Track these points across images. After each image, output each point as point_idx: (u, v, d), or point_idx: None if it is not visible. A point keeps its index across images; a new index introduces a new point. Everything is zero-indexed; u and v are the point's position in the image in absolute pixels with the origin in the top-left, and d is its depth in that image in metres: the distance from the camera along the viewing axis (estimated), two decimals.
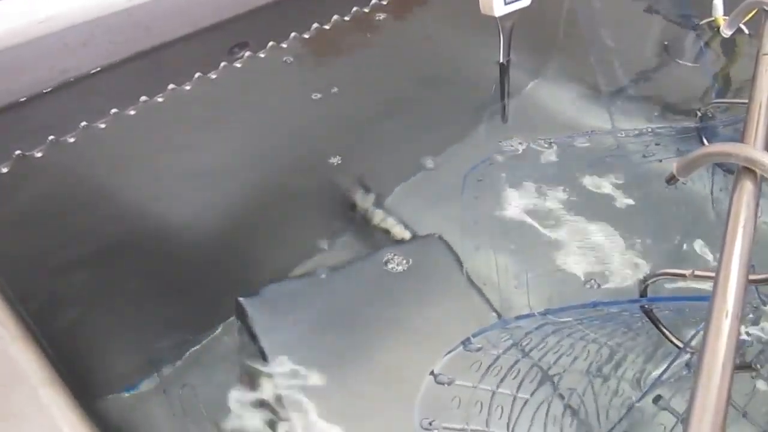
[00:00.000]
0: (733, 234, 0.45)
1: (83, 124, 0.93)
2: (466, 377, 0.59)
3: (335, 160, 0.89)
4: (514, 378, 0.61)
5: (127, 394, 0.66)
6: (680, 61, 1.04)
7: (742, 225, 0.46)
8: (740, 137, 0.56)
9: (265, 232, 0.82)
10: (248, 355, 0.68)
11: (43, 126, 0.92)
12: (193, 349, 0.70)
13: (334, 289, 0.72)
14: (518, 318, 0.62)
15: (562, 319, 0.62)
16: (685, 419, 0.34)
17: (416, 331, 0.67)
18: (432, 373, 0.59)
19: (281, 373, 0.65)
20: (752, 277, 0.49)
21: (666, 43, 1.10)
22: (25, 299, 0.69)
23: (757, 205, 0.47)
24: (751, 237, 0.45)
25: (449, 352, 0.60)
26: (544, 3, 1.06)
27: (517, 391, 0.60)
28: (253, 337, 0.68)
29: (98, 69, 0.99)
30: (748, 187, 0.48)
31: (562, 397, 0.62)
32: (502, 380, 0.60)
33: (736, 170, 0.50)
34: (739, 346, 0.61)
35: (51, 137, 0.91)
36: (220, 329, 0.71)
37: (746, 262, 0.43)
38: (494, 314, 0.69)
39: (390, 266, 0.74)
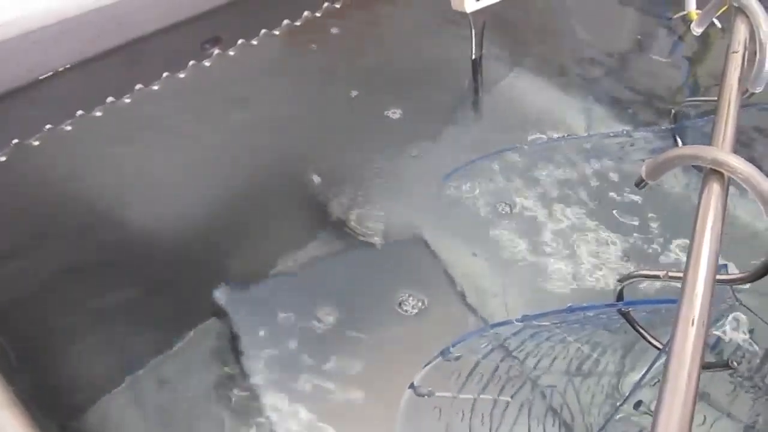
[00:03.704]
0: (701, 236, 0.45)
1: (48, 126, 0.92)
2: (447, 387, 0.59)
3: (309, 161, 0.89)
4: (495, 383, 0.61)
5: (103, 397, 0.65)
6: (654, 56, 1.05)
7: (710, 227, 0.46)
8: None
9: (241, 232, 0.81)
10: (225, 353, 0.68)
11: (6, 128, 0.92)
12: (169, 349, 0.69)
13: (310, 288, 0.72)
14: (496, 325, 0.63)
15: (540, 323, 0.62)
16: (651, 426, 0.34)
17: (395, 335, 0.67)
18: (412, 385, 0.59)
19: (257, 370, 0.65)
20: (721, 277, 0.50)
21: (639, 37, 1.11)
22: None
23: (724, 206, 0.48)
24: (719, 239, 0.45)
25: (428, 364, 0.60)
26: None
27: (498, 395, 0.60)
28: (231, 333, 0.68)
29: (67, 66, 0.99)
30: (715, 188, 0.48)
31: (544, 397, 0.62)
32: (483, 386, 0.60)
33: (704, 171, 0.50)
34: (717, 345, 0.61)
35: (15, 140, 0.90)
36: (197, 330, 0.71)
37: (714, 264, 0.43)
38: (475, 319, 0.70)
39: (366, 268, 0.74)
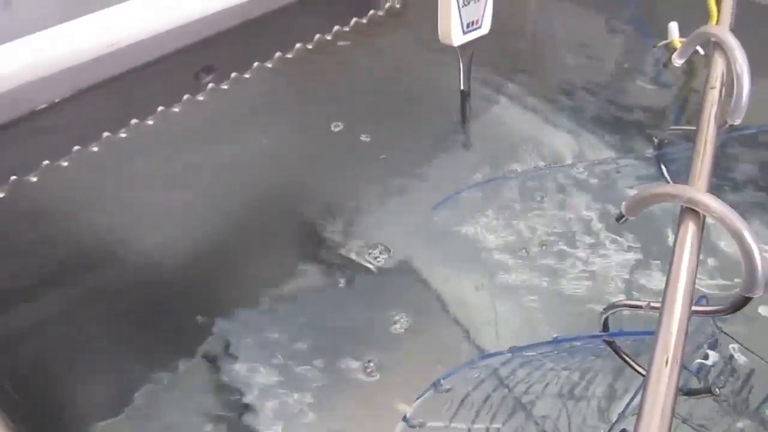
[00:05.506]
0: (677, 274, 0.47)
1: (45, 162, 0.94)
2: (439, 417, 0.61)
3: (302, 189, 0.91)
4: (487, 412, 0.63)
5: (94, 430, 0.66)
6: (638, 83, 1.08)
7: (686, 265, 0.48)
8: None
9: (235, 262, 0.83)
10: (222, 380, 0.69)
11: (4, 164, 0.93)
12: (165, 378, 0.70)
13: (305, 315, 0.74)
14: (485, 357, 0.65)
15: (529, 354, 0.64)
16: None
17: (388, 363, 0.69)
18: (404, 418, 0.61)
19: (254, 396, 0.66)
20: (700, 309, 0.52)
21: (625, 65, 1.14)
22: None
23: (699, 245, 0.50)
24: (694, 277, 0.48)
25: (420, 397, 0.62)
26: (505, 28, 1.09)
27: (490, 423, 0.62)
28: (228, 359, 0.70)
29: (65, 98, 1.00)
30: (691, 227, 0.50)
31: (536, 424, 0.64)
32: (475, 415, 0.62)
33: (680, 210, 0.53)
34: (701, 370, 0.64)
35: (13, 177, 0.92)
36: (193, 357, 0.72)
37: (688, 302, 0.45)
38: (467, 347, 0.71)
39: (361, 295, 0.76)
